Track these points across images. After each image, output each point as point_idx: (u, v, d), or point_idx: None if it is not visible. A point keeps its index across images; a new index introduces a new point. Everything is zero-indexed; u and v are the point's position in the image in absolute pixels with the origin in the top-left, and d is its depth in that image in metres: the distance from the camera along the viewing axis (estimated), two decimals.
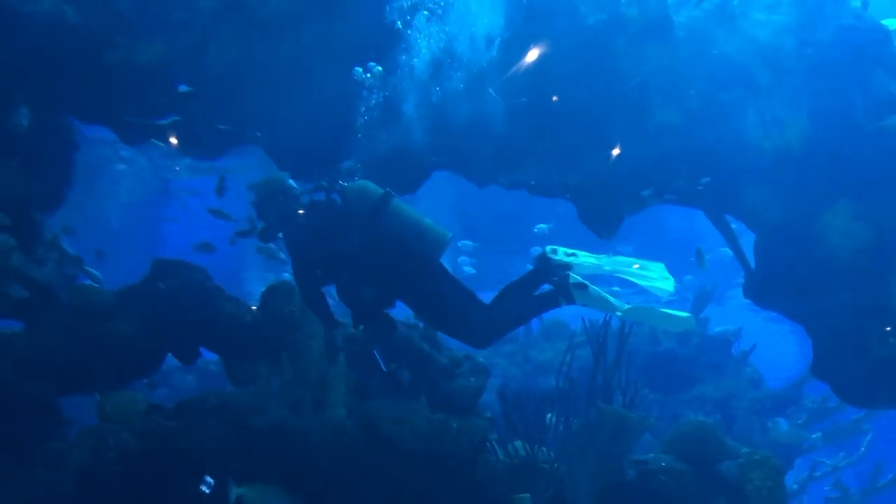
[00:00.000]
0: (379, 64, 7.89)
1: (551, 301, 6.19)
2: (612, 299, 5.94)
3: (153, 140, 8.75)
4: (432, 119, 8.30)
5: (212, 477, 6.00)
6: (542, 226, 17.65)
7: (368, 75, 7.83)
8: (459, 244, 19.75)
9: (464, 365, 7.75)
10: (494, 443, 7.15)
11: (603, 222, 9.48)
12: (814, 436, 14.20)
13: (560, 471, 6.86)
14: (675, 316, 5.95)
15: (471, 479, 6.79)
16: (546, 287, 6.25)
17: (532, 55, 8.16)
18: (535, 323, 16.41)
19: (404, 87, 8.15)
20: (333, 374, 6.54)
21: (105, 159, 14.88)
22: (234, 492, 5.78)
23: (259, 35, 7.80)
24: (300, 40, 7.88)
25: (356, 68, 7.75)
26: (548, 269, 6.18)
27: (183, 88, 7.94)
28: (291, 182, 6.72)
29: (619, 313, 5.98)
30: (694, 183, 8.83)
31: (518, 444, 7.08)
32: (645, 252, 6.36)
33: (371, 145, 8.27)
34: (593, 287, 5.91)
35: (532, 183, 9.40)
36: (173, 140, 8.64)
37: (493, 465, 6.94)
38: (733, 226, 9.76)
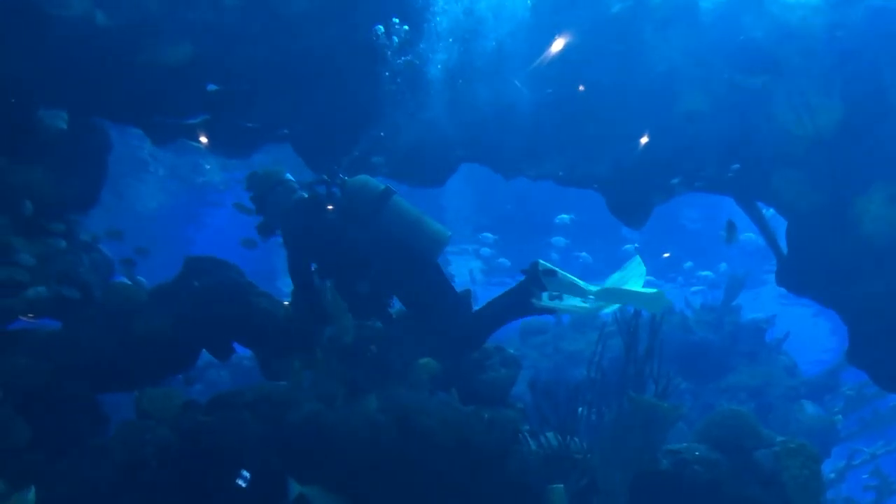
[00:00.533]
0: (402, 50, 7.90)
1: (524, 292, 6.19)
2: (581, 283, 5.97)
3: (183, 139, 8.86)
4: (458, 106, 8.29)
5: (248, 471, 6.08)
6: (563, 216, 17.65)
7: (396, 39, 7.79)
8: (480, 236, 19.87)
9: (494, 356, 7.76)
10: (527, 434, 7.15)
11: (632, 212, 9.44)
12: (835, 416, 14.02)
13: (593, 461, 6.84)
14: (645, 294, 5.94)
15: (503, 469, 6.81)
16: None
17: (557, 45, 8.13)
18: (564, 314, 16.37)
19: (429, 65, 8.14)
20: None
21: (136, 160, 15.09)
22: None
23: (284, 31, 7.85)
24: (325, 34, 7.92)
25: (377, 27, 7.69)
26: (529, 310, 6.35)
27: (211, 87, 8.03)
28: (288, 175, 6.78)
29: (591, 297, 5.97)
30: (723, 170, 8.76)
31: (550, 434, 7.08)
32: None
33: (397, 125, 8.29)
34: (562, 273, 5.97)
35: (560, 174, 9.38)
36: (203, 139, 8.74)
37: (526, 456, 6.95)
38: (765, 212, 9.66)
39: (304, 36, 7.90)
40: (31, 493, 4.92)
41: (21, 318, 7.16)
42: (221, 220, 18.50)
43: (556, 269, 6.00)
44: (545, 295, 6.34)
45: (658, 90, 8.35)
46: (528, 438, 7.08)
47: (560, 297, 6.45)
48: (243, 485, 6.01)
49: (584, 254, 20.98)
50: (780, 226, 9.42)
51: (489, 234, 19.99)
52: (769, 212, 9.70)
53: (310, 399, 6.55)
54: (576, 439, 7.02)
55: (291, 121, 8.65)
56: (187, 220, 19.94)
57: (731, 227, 8.96)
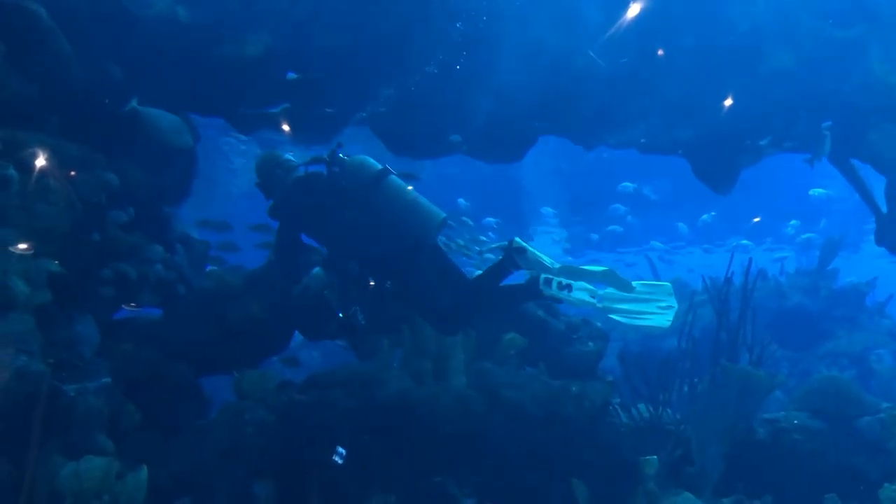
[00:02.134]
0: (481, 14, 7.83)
1: (502, 269, 6.50)
2: (547, 261, 6.29)
3: (266, 128, 9.07)
4: (533, 72, 8.17)
5: (342, 447, 6.25)
6: (627, 184, 17.48)
7: None
8: (542, 210, 20.02)
9: (581, 330, 7.73)
10: (617, 406, 7.11)
11: (719, 177, 9.19)
12: None
13: (686, 432, 6.75)
14: (596, 271, 6.34)
15: (595, 442, 6.79)
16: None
17: (634, 9, 7.91)
18: None
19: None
20: (452, 344, 6.66)
21: (222, 150, 15.54)
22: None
23: (359, 15, 7.91)
24: (400, 14, 7.93)
25: None
26: (535, 295, 6.50)
27: (291, 76, 8.18)
28: (288, 156, 6.94)
29: (554, 271, 6.38)
30: (815, 128, 8.40)
31: (642, 406, 7.02)
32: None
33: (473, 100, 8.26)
34: (531, 250, 6.28)
35: (641, 141, 9.19)
36: (285, 127, 8.93)
37: (618, 428, 6.91)
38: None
39: (378, 16, 7.94)
40: (144, 473, 5.20)
41: (124, 307, 7.50)
42: None
43: (527, 246, 6.35)
44: (554, 284, 6.62)
45: (742, 49, 8.04)
46: (619, 411, 7.04)
47: (569, 288, 6.72)
48: (339, 461, 6.18)
49: (681, 224, 20.79)
50: (877, 183, 9.01)
51: (549, 209, 20.09)
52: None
53: (399, 377, 6.67)
54: (668, 410, 6.94)
55: (369, 104, 8.74)
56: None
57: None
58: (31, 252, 5.59)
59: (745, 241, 21.42)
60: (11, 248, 5.47)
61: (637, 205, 19.53)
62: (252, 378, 6.74)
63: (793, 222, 20.67)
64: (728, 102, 8.33)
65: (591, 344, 7.59)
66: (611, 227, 21.23)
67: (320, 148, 11.65)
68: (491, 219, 18.90)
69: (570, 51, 8.09)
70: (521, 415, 6.57)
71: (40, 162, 6.13)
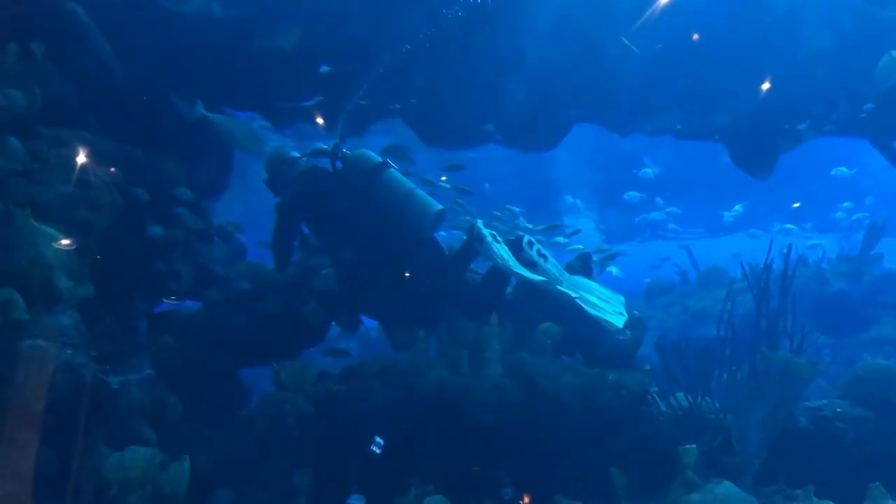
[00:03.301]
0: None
1: (466, 254, 6.88)
2: (504, 254, 6.64)
3: (301, 121, 9.14)
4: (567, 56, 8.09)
5: (380, 437, 6.30)
6: (647, 170, 17.33)
7: None
8: (566, 198, 19.99)
9: None
10: (655, 395, 7.05)
11: (757, 162, 9.05)
12: None
13: (726, 420, 6.68)
14: (534, 279, 6.75)
15: (634, 431, 6.75)
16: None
17: None
18: (691, 272, 15.95)
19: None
20: (489, 334, 6.66)
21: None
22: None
23: (389, 6, 7.92)
24: (427, 5, 7.93)
25: None
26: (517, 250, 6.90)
27: (324, 69, 8.23)
28: (294, 153, 7.05)
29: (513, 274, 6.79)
30: (856, 111, 8.21)
31: (680, 395, 6.95)
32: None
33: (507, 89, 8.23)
34: (489, 241, 6.64)
35: (677, 127, 9.08)
36: (319, 120, 8.98)
37: (656, 417, 6.86)
38: None
39: (408, 8, 7.94)
40: (186, 463, 5.30)
41: (164, 300, 7.63)
42: None
43: (485, 235, 6.63)
44: (535, 249, 6.96)
45: (779, 32, 7.89)
46: (658, 399, 6.98)
47: (545, 259, 7.07)
48: (377, 451, 6.23)
49: (726, 213, 20.57)
50: None
51: (569, 197, 20.05)
52: None
53: (435, 367, 6.69)
54: (707, 399, 6.87)
55: (401, 95, 8.75)
56: None
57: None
58: (74, 247, 5.71)
59: (789, 226, 21.08)
60: (54, 244, 5.58)
61: (659, 191, 19.26)
62: (291, 369, 6.81)
63: (846, 204, 20.23)
64: (766, 86, 8.18)
65: (627, 332, 7.53)
66: (652, 215, 21.04)
67: (356, 141, 11.72)
68: (515, 207, 18.91)
69: (603, 35, 8.01)
70: (559, 404, 6.55)
71: (81, 159, 6.26)
